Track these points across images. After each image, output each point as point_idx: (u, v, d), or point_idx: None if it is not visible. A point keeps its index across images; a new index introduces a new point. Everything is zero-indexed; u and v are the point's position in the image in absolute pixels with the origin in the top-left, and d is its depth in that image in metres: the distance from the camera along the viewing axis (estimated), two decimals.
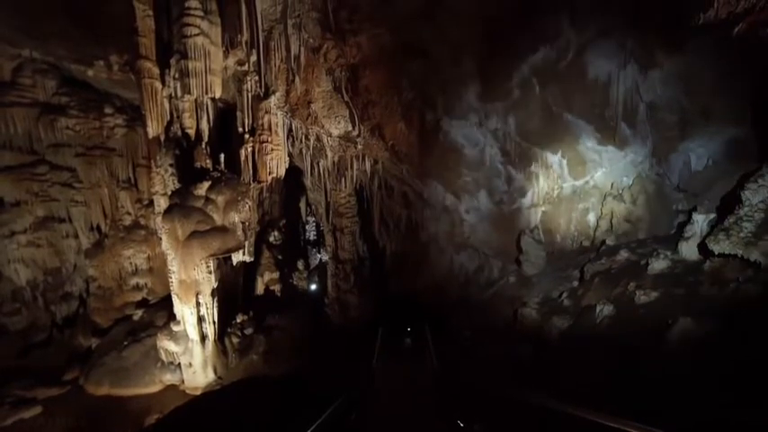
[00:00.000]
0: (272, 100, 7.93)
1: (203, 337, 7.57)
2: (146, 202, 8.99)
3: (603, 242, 5.76)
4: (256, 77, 7.67)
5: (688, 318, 3.93)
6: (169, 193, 7.32)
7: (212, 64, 6.99)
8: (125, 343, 8.05)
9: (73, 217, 8.91)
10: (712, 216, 4.18)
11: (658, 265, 4.54)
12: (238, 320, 8.33)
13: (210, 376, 7.67)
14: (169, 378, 7.69)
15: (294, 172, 10.36)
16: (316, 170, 10.10)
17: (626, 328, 4.40)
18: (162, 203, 7.46)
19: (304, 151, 9.57)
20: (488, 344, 6.64)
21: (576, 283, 5.61)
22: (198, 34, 6.69)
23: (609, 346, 4.33)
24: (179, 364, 7.65)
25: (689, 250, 4.34)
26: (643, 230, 5.12)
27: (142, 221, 9.10)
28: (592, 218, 6.01)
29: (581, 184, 6.20)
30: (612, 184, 5.49)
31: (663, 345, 3.86)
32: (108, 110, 8.79)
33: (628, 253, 5.05)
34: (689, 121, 4.29)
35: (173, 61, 6.85)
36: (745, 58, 3.79)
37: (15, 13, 6.70)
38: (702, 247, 4.27)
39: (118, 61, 7.72)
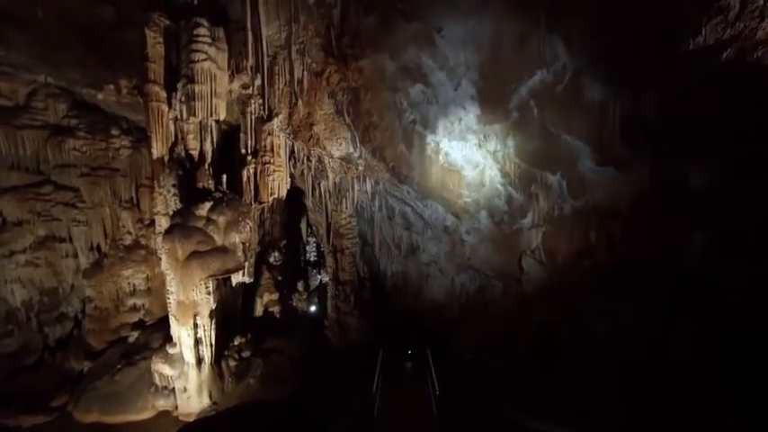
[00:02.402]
0: (275, 122, 8.10)
1: (199, 360, 7.41)
2: (147, 222, 9.03)
3: (605, 261, 5.72)
4: (260, 100, 7.86)
5: (689, 331, 3.91)
6: (171, 213, 7.36)
7: (218, 87, 7.19)
8: (118, 366, 7.87)
9: (74, 236, 8.92)
10: (714, 234, 4.16)
11: (660, 283, 4.48)
12: (236, 343, 8.17)
13: (205, 401, 7.45)
14: (162, 404, 7.47)
15: (295, 193, 10.44)
16: (317, 191, 10.18)
17: (627, 345, 4.40)
18: (163, 223, 7.48)
19: (305, 172, 9.67)
20: (491, 367, 6.49)
21: (578, 303, 5.54)
22: (205, 59, 6.93)
23: (611, 362, 4.33)
24: (173, 388, 7.45)
25: (691, 268, 4.29)
26: (644, 249, 5.09)
27: (142, 241, 9.10)
28: (592, 237, 6.01)
29: (581, 204, 6.22)
30: (613, 204, 5.50)
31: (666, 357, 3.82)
32: (114, 131, 8.99)
33: (629, 271, 5.00)
34: (687, 140, 4.35)
35: (179, 85, 7.06)
36: (739, 80, 3.90)
37: (36, 42, 6.99)
38: (705, 264, 4.24)
39: (127, 85, 7.96)
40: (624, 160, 5.01)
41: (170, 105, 7.20)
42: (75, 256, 9.02)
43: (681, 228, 4.61)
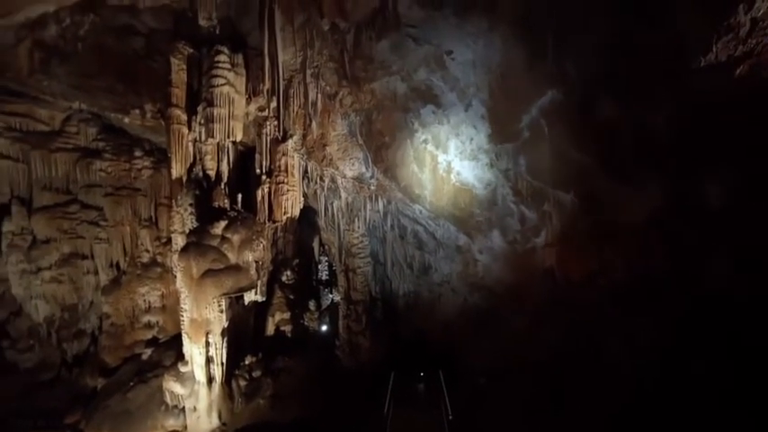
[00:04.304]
0: (290, 143, 8.34)
1: (210, 380, 7.39)
2: (164, 240, 9.26)
3: (621, 281, 5.52)
4: (275, 122, 8.14)
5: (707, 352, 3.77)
6: (187, 231, 7.54)
7: (235, 110, 7.50)
8: (131, 384, 7.92)
9: (95, 254, 9.24)
10: (732, 251, 3.99)
11: (674, 302, 4.29)
12: (247, 362, 8.13)
13: (215, 422, 7.38)
14: (172, 423, 7.43)
15: (308, 212, 10.57)
16: (329, 210, 10.29)
17: (643, 366, 4.24)
18: (180, 241, 7.66)
19: (318, 192, 9.82)
20: (504, 390, 6.26)
21: (593, 322, 5.36)
22: (224, 84, 7.26)
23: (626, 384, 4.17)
24: (183, 407, 7.42)
25: (708, 286, 4.11)
26: (661, 267, 4.91)
27: (159, 259, 9.31)
28: (608, 256, 5.84)
29: (595, 223, 6.09)
30: (628, 222, 5.36)
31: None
32: (138, 153, 9.42)
33: (643, 291, 4.82)
34: (702, 156, 4.25)
35: (199, 108, 7.40)
36: (753, 94, 3.83)
37: (74, 73, 7.56)
38: (723, 282, 4.06)
39: (151, 109, 8.37)
40: (638, 177, 4.91)
41: (190, 128, 7.53)
42: (96, 272, 9.31)
43: (698, 245, 4.45)
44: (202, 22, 7.18)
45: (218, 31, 7.37)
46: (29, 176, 8.91)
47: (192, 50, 7.41)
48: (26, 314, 9.06)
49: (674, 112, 4.39)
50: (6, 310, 9.02)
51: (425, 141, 8.12)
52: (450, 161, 8.07)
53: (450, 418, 6.22)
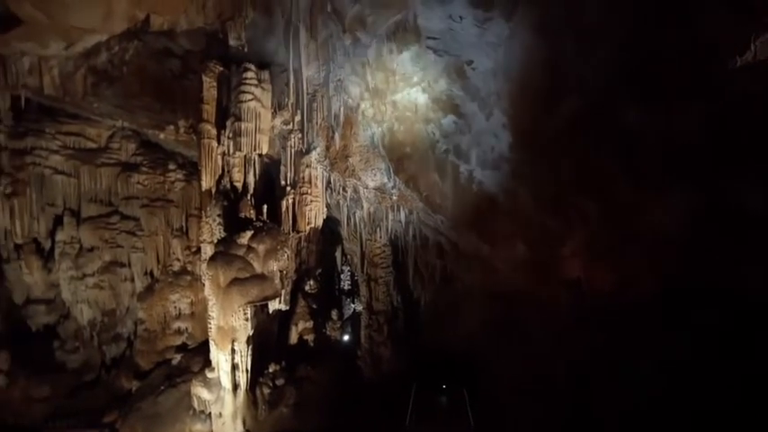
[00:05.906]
0: (313, 155, 8.55)
1: (235, 386, 7.56)
2: (194, 250, 9.69)
3: (650, 291, 5.22)
4: (299, 135, 8.38)
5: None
6: (215, 241, 7.85)
7: (262, 124, 7.79)
8: (162, 387, 8.23)
9: (132, 262, 9.79)
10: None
11: (713, 317, 4.00)
12: (270, 370, 8.28)
13: (239, 428, 7.52)
14: (199, 428, 7.63)
15: (331, 222, 10.74)
16: (352, 221, 10.39)
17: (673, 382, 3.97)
18: (208, 251, 7.97)
19: (341, 202, 9.97)
20: (530, 404, 6.02)
21: (622, 335, 5.09)
22: (251, 99, 7.58)
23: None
24: (210, 413, 7.62)
25: (748, 302, 3.80)
26: (693, 277, 4.60)
27: (189, 268, 9.73)
28: (637, 266, 5.54)
29: (622, 231, 5.82)
30: (657, 230, 5.09)
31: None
32: (171, 166, 9.99)
33: (675, 302, 4.53)
34: (739, 160, 4.00)
35: (228, 123, 7.75)
36: None
37: (119, 95, 8.22)
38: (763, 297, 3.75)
39: (184, 125, 8.88)
40: (666, 183, 4.68)
41: (219, 141, 7.89)
42: (132, 280, 9.87)
43: (735, 255, 4.16)
44: (232, 42, 7.56)
45: (246, 50, 7.75)
46: (78, 190, 9.66)
47: (222, 69, 7.82)
48: (73, 317, 9.73)
49: (706, 116, 4.17)
50: (57, 313, 9.74)
51: (447, 151, 8.11)
52: (471, 170, 8.00)
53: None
